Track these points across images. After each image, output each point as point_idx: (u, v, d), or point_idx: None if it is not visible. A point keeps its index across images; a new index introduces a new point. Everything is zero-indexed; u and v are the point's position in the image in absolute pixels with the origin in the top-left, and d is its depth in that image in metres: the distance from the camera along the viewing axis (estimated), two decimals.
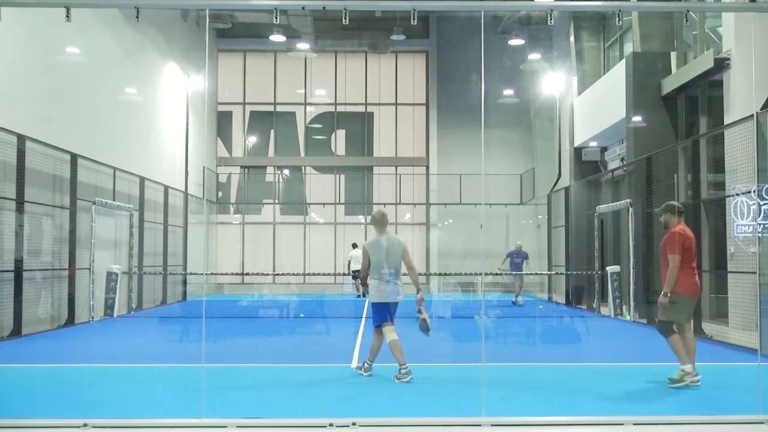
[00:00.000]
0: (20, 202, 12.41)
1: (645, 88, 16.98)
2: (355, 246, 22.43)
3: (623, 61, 18.12)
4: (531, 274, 20.11)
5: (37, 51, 13.71)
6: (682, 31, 17.30)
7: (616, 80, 18.51)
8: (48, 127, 13.78)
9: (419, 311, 8.39)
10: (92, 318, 15.07)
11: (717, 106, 14.48)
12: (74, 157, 14.61)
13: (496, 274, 22.16)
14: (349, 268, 22.30)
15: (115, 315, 15.96)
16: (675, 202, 8.62)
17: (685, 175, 15.03)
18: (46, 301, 13.77)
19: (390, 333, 8.26)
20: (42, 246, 13.63)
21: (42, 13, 12.37)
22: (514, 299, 19.72)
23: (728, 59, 13.57)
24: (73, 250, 14.46)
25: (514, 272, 19.86)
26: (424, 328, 8.42)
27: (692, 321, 8.11)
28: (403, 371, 8.04)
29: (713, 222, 14.16)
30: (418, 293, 8.41)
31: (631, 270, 15.87)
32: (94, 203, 15.38)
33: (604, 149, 21.53)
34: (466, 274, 22.29)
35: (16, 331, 12.10)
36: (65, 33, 14.15)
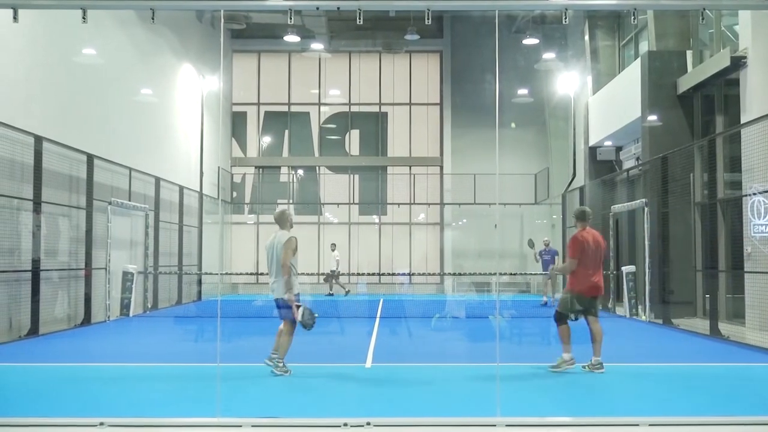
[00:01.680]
0: (37, 203, 12.51)
1: (660, 87, 16.87)
2: (333, 248, 23.69)
3: (638, 60, 18.02)
4: (546, 274, 20.01)
5: (54, 52, 13.82)
6: (698, 30, 17.18)
7: (631, 79, 18.42)
8: (64, 128, 13.89)
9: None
10: (108, 317, 15.17)
11: (733, 104, 14.36)
12: (90, 158, 14.71)
13: (512, 273, 22.13)
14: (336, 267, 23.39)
15: (130, 314, 16.06)
16: (583, 208, 9.15)
17: (701, 174, 14.94)
18: (63, 300, 13.88)
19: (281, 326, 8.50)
20: (59, 246, 13.73)
21: (58, 14, 12.48)
22: (544, 300, 19.57)
23: (745, 57, 13.47)
24: (89, 250, 14.56)
25: (544, 272, 19.74)
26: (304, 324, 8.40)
27: (598, 314, 8.95)
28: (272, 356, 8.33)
29: (730, 222, 14.06)
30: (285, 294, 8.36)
31: (647, 270, 15.79)
32: (110, 203, 15.48)
33: (619, 148, 21.42)
34: (480, 274, 22.26)
35: (34, 331, 12.20)
36: (81, 34, 14.25)
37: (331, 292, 23.48)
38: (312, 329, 8.48)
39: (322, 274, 24.03)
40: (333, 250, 23.72)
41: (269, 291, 8.70)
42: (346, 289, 23.75)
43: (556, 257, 19.80)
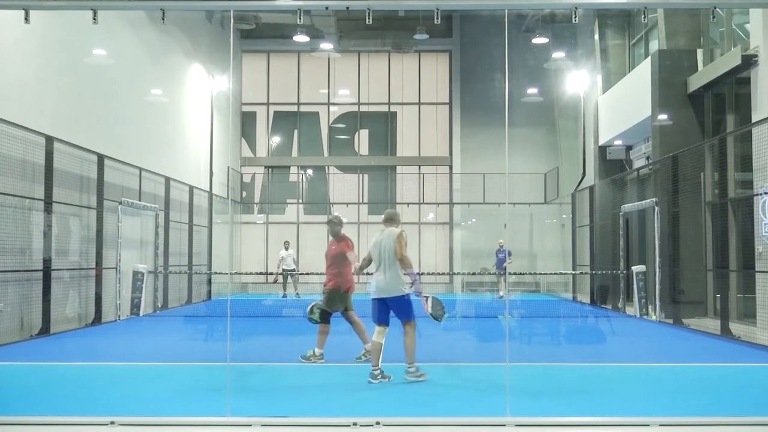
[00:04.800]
0: (48, 203, 12.58)
1: (671, 85, 16.80)
2: (287, 247, 21.98)
3: (649, 59, 17.95)
4: (556, 273, 20.06)
5: (65, 53, 13.88)
6: (709, 28, 17.09)
7: (641, 78, 18.34)
8: (75, 128, 13.95)
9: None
10: (119, 317, 15.23)
11: (744, 103, 14.29)
12: (101, 158, 14.77)
13: (521, 273, 22.24)
14: (278, 268, 21.64)
15: (141, 314, 16.11)
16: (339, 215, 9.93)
17: (711, 173, 14.86)
18: (74, 300, 13.94)
19: (375, 334, 8.06)
20: (70, 246, 13.79)
21: (69, 15, 12.54)
22: (500, 295, 20.22)
23: (756, 56, 13.39)
24: (100, 250, 14.62)
25: (498, 270, 21.39)
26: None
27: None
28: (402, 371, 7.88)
29: (741, 221, 13.98)
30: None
31: (657, 270, 15.72)
32: (120, 203, 15.54)
33: (629, 148, 21.35)
34: (489, 273, 22.24)
35: (45, 330, 12.27)
36: (92, 35, 14.32)
37: (285, 293, 22.03)
38: (443, 320, 8.06)
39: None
40: (287, 249, 21.87)
41: (371, 291, 8.24)
42: (297, 291, 22.27)
43: (509, 256, 21.40)
